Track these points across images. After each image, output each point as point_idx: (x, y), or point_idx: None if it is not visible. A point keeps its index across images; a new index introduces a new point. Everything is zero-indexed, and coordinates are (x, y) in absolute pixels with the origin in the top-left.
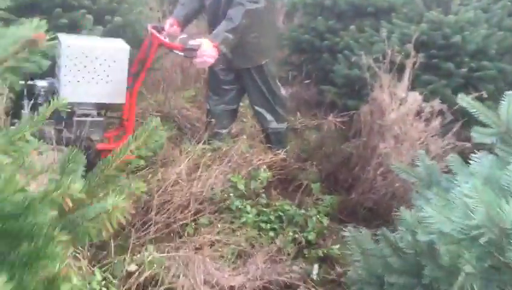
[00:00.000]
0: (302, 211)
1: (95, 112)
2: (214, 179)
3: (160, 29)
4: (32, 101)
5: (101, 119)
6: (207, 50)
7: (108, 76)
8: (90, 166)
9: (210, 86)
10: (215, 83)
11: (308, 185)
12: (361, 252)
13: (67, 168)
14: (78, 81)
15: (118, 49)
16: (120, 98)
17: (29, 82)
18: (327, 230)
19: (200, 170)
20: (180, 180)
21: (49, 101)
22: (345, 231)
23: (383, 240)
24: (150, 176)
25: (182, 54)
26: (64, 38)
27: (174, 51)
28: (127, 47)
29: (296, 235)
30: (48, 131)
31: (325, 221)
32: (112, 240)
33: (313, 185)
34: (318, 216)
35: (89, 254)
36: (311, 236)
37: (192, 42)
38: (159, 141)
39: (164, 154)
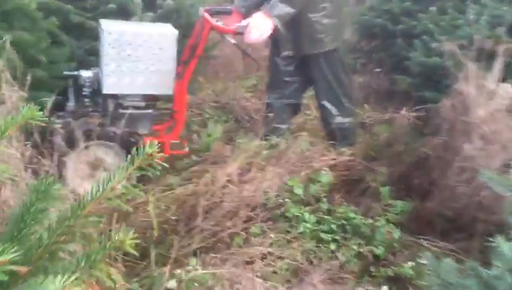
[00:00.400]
0: (369, 220)
1: (142, 104)
2: (268, 182)
3: (214, 13)
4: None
5: (149, 111)
6: (259, 22)
7: (154, 65)
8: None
9: (269, 76)
10: (276, 74)
11: (376, 189)
12: (441, 284)
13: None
14: (122, 71)
15: (164, 35)
16: (167, 89)
17: (74, 72)
18: (398, 243)
19: (253, 170)
20: (230, 183)
21: (95, 92)
22: (419, 244)
23: (472, 276)
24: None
25: (233, 41)
26: (106, 24)
27: (226, 36)
28: (174, 32)
29: (362, 249)
30: (93, 125)
31: (396, 233)
32: (153, 249)
33: (382, 188)
34: (387, 227)
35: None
36: (379, 250)
37: (243, 23)
38: (213, 134)
39: (217, 150)
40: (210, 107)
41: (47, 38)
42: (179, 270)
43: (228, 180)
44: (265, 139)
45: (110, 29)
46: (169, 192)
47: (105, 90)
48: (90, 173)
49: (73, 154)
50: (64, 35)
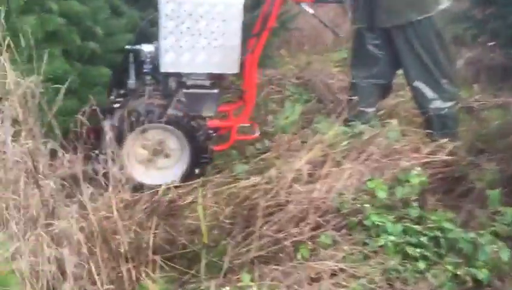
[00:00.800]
0: (471, 233)
1: (207, 83)
2: (344, 182)
3: None
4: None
5: (215, 91)
6: None
7: (217, 40)
8: (197, 152)
9: (353, 52)
10: (361, 49)
11: (482, 191)
12: None
13: None
14: (181, 47)
15: (229, 4)
16: (232, 67)
17: (135, 47)
18: (508, 266)
19: (327, 165)
20: (299, 180)
21: (156, 69)
22: None
23: None
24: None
25: (311, 10)
26: None
27: (302, 5)
28: (240, 1)
29: (459, 271)
30: (153, 106)
31: (505, 253)
32: (203, 256)
33: (489, 191)
34: (495, 246)
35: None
36: (483, 274)
37: None
38: (290, 116)
39: (289, 137)
40: (291, 84)
41: (106, 8)
42: (227, 288)
43: (296, 177)
44: (347, 126)
45: None
46: (227, 186)
47: (163, 68)
48: (149, 158)
49: (131, 136)
50: (125, 6)
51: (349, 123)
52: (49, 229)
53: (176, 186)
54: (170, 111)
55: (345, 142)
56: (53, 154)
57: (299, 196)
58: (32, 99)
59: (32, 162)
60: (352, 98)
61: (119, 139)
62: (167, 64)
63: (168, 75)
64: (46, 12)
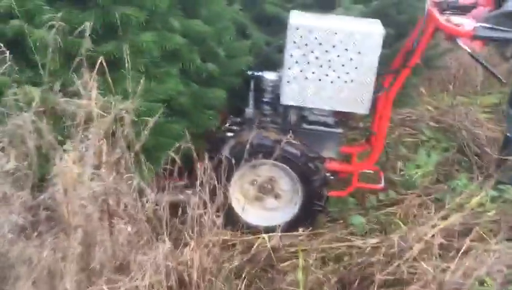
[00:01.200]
0: None
1: (331, 120)
2: (489, 266)
3: (450, 7)
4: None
5: (339, 130)
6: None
7: (348, 73)
8: (311, 198)
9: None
10: None
11: None
12: None
13: None
14: (306, 78)
15: (367, 34)
16: (362, 106)
17: (257, 73)
18: None
19: (467, 240)
20: (426, 254)
21: (278, 99)
22: None
23: None
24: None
25: (469, 49)
26: (294, 16)
27: (458, 41)
28: (380, 32)
29: None
30: (269, 140)
31: None
32: None
33: None
34: None
35: None
36: None
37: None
38: (423, 166)
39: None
40: (428, 127)
41: (231, 29)
42: None
43: (425, 249)
44: (497, 189)
45: (298, 22)
46: (338, 244)
47: (284, 100)
48: (257, 196)
49: (241, 170)
50: (255, 28)
51: (500, 187)
52: (114, 286)
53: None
54: (286, 148)
55: (492, 211)
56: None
57: (426, 276)
58: (122, 127)
59: (106, 201)
60: (507, 158)
61: (228, 172)
62: (289, 97)
63: (288, 107)
64: (168, 30)
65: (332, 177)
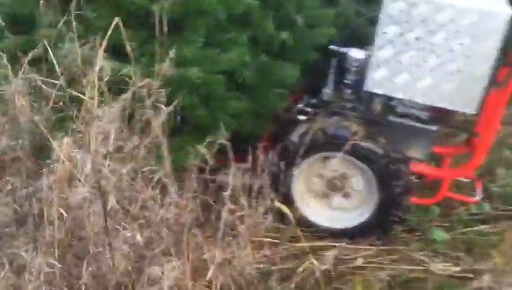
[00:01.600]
0: None
1: (425, 115)
2: None
3: None
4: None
5: (433, 128)
6: None
7: (455, 61)
8: (387, 206)
9: None
10: None
11: None
12: None
13: None
14: (400, 62)
15: (488, 14)
16: (469, 104)
17: (342, 49)
18: None
19: None
20: None
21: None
22: None
23: None
24: None
25: None
26: None
27: None
28: (507, 12)
29: None
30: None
31: None
32: None
33: None
34: None
35: None
36: None
37: None
38: None
39: None
40: None
41: None
42: None
43: None
44: None
45: None
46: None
47: (369, 86)
48: (323, 192)
49: (309, 159)
50: None
51: None
52: None
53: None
54: (367, 143)
55: None
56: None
57: None
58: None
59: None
60: None
61: (294, 160)
62: (375, 82)
63: (374, 94)
64: None
65: (417, 180)
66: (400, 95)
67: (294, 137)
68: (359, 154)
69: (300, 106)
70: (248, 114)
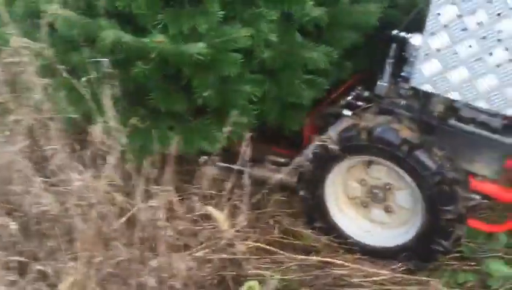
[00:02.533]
0: None
1: (497, 123)
2: None
3: None
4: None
5: (509, 141)
6: None
7: None
8: (436, 231)
9: None
10: None
11: None
12: None
13: None
14: (456, 54)
15: None
16: None
17: (402, 34)
18: None
19: None
20: None
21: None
22: None
23: None
24: None
25: None
26: None
27: None
28: None
29: None
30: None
31: None
32: None
33: None
34: None
35: None
36: None
37: None
38: None
39: None
40: None
41: None
42: None
43: None
44: None
45: None
46: None
47: (415, 81)
48: (362, 200)
49: (348, 161)
50: None
51: None
52: None
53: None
54: (418, 154)
55: None
56: None
57: None
58: None
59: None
60: None
61: (331, 159)
62: (424, 78)
63: (428, 93)
64: None
65: (478, 198)
66: (455, 97)
67: (333, 133)
68: (407, 165)
69: (349, 98)
70: (271, 101)
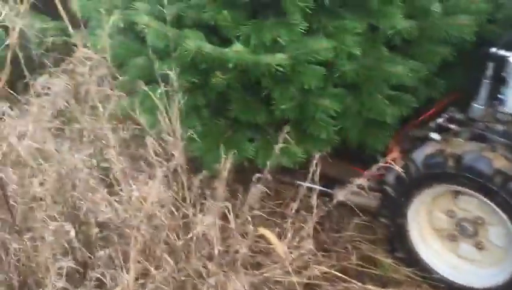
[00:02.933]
0: None
1: None
2: None
3: None
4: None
5: None
6: None
7: None
8: None
9: None
10: None
11: None
12: None
13: None
14: None
15: None
16: None
17: (501, 52)
18: None
19: None
20: None
21: None
22: None
23: None
24: None
25: None
26: None
27: None
28: None
29: None
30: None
31: None
32: None
33: None
34: None
35: None
36: None
37: None
38: None
39: None
40: None
41: None
42: None
43: None
44: None
45: None
46: None
47: (508, 108)
48: (450, 233)
49: (433, 189)
50: None
51: None
52: None
53: None
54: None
55: None
56: None
57: None
58: None
59: None
60: None
61: (415, 186)
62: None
63: None
64: None
65: None
66: None
67: (418, 158)
68: (500, 199)
69: (439, 120)
70: (353, 117)
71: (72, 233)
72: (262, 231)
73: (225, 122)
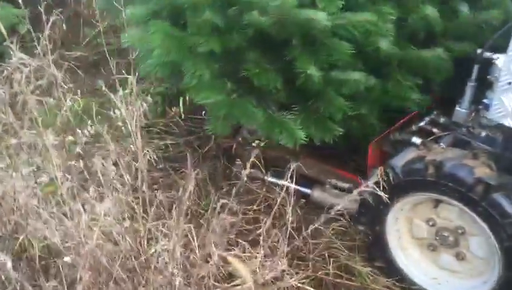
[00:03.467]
0: None
1: None
2: None
3: None
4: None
5: None
6: None
7: None
8: None
9: None
10: None
11: None
12: None
13: None
14: None
15: None
16: None
17: (487, 54)
18: None
19: None
20: None
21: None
22: None
23: None
24: None
25: None
26: None
27: None
28: None
29: None
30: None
31: None
32: None
33: None
34: None
35: None
36: None
37: None
38: None
39: None
40: None
41: None
42: None
43: None
44: None
45: None
46: None
47: (493, 114)
48: (430, 243)
49: (413, 196)
50: None
51: None
52: None
53: None
54: (497, 198)
55: None
56: None
57: None
58: None
59: None
60: None
61: (394, 193)
62: (505, 109)
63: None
64: None
65: None
66: None
67: (397, 163)
68: (481, 210)
69: (421, 123)
70: (371, 103)
71: (9, 264)
72: (227, 257)
73: (231, 85)
